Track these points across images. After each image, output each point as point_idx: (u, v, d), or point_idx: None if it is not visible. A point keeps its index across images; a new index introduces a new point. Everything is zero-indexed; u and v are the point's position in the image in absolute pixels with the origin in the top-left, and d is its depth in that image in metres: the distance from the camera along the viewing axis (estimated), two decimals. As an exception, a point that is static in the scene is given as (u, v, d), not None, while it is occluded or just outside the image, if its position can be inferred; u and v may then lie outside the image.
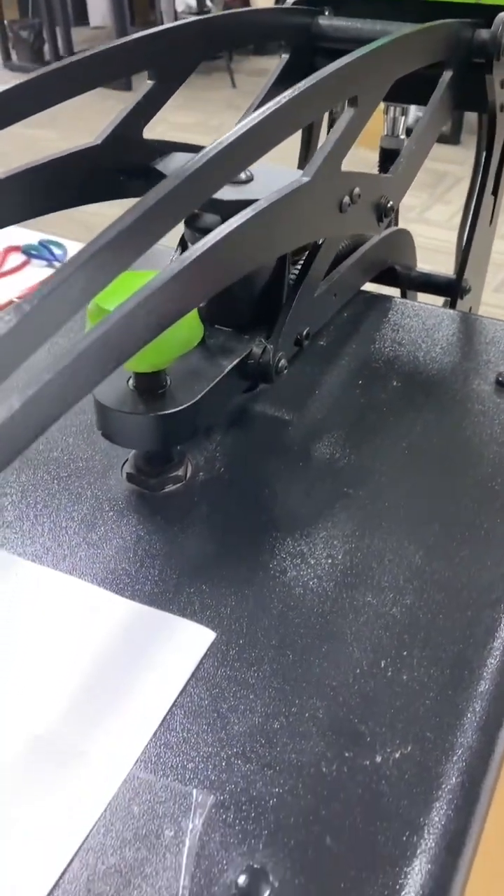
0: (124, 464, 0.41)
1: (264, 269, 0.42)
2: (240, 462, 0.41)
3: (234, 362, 0.39)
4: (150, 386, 0.37)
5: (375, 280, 0.57)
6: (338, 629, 0.33)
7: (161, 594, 0.35)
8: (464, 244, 0.58)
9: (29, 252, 1.05)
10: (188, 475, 0.41)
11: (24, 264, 1.04)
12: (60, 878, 0.25)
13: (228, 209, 0.34)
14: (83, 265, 0.25)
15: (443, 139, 2.50)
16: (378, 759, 0.28)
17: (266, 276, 0.42)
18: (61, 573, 0.35)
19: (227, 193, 0.36)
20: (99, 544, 0.37)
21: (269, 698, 0.31)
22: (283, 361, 0.41)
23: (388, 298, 0.55)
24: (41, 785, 0.28)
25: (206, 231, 0.31)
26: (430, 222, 2.31)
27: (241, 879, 0.25)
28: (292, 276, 0.43)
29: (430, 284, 0.60)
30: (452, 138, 2.65)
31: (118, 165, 0.42)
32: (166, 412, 0.36)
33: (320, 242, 0.42)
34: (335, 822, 0.27)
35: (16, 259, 1.05)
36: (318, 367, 0.48)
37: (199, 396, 0.37)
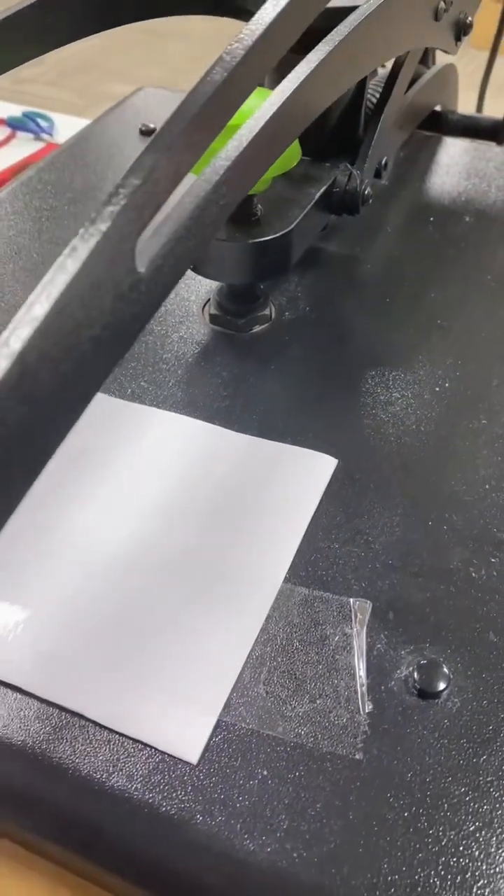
0: (205, 306, 0.40)
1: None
2: (324, 301, 0.40)
3: (322, 189, 0.37)
4: (243, 213, 0.35)
5: (419, 126, 0.55)
6: (459, 450, 0.33)
7: (272, 429, 0.34)
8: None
9: (14, 125, 0.99)
10: (273, 316, 0.39)
11: (9, 137, 0.98)
12: (234, 686, 0.25)
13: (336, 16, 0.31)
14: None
15: None
16: (524, 562, 0.29)
17: (343, 101, 0.40)
18: (172, 412, 0.34)
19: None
20: (197, 385, 0.36)
21: (405, 514, 0.30)
22: (368, 189, 0.39)
23: (439, 138, 0.53)
24: (200, 603, 0.28)
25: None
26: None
27: (417, 673, 0.26)
28: (370, 103, 0.41)
29: (475, 128, 0.58)
30: None
31: None
32: (264, 239, 0.34)
33: (402, 61, 0.40)
34: (497, 620, 0.27)
35: (1, 132, 0.98)
36: (385, 206, 0.46)
37: (295, 223, 0.35)
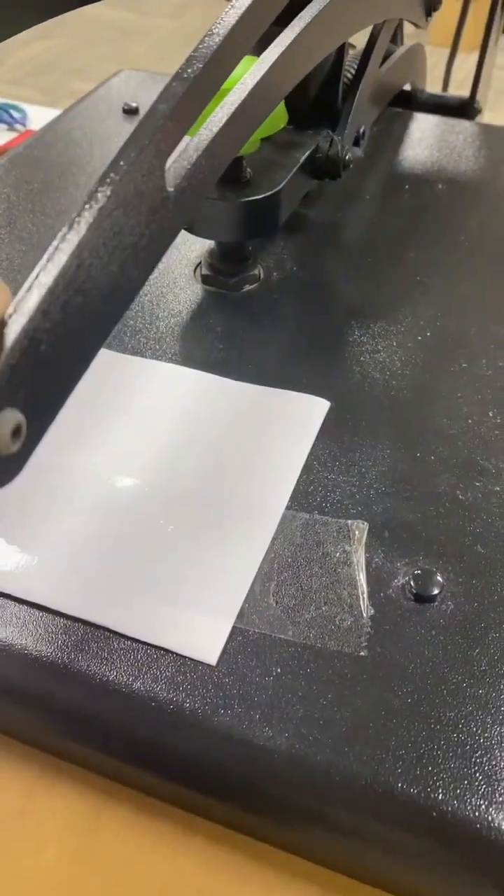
0: (196, 268, 0.42)
1: (321, 64, 0.42)
2: (309, 262, 0.42)
3: (307, 153, 0.40)
4: (233, 175, 0.37)
5: (391, 104, 0.57)
6: (442, 390, 0.35)
7: (267, 377, 0.36)
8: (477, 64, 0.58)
9: (-13, 116, 0.99)
10: (262, 276, 0.41)
11: (-17, 129, 0.99)
12: (246, 598, 0.28)
13: None
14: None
15: None
16: (507, 485, 0.31)
17: (323, 74, 0.42)
18: (169, 363, 0.36)
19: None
20: (193, 340, 0.38)
21: (394, 447, 0.33)
22: (349, 155, 0.41)
23: (410, 114, 0.56)
24: (210, 528, 0.30)
25: None
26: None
27: (413, 581, 0.28)
28: (347, 77, 0.43)
29: (443, 105, 0.60)
30: None
31: None
32: (254, 198, 0.37)
33: (377, 35, 0.42)
34: (483, 535, 0.30)
35: (-26, 124, 0.99)
36: (363, 176, 0.49)
37: (283, 184, 0.37)
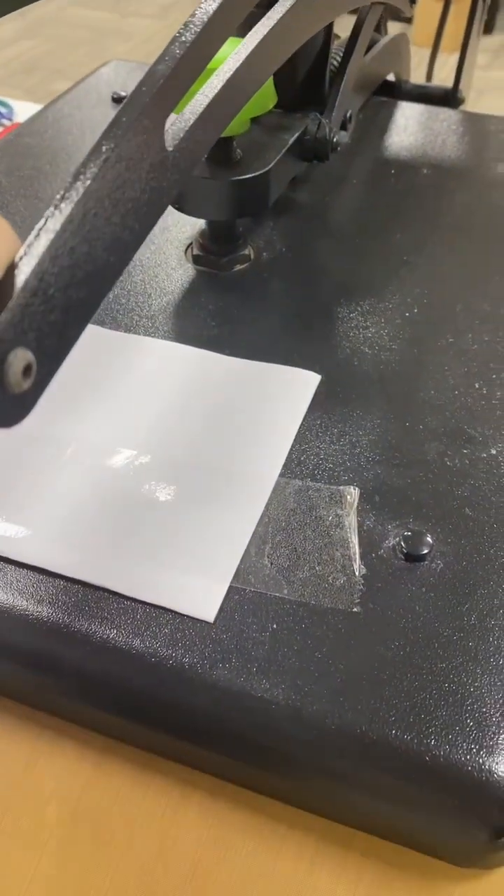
0: (187, 249, 0.42)
1: (308, 47, 0.42)
2: (298, 242, 0.43)
3: (295, 135, 0.40)
4: (224, 155, 0.38)
5: (375, 93, 0.58)
6: (429, 364, 0.36)
7: (258, 352, 0.37)
8: (460, 54, 0.60)
9: (-27, 111, 1.00)
10: (252, 256, 0.42)
11: (-31, 124, 0.99)
12: (241, 559, 0.28)
13: None
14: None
15: None
16: (493, 451, 0.32)
17: (310, 56, 0.43)
18: (164, 340, 0.37)
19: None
20: (185, 317, 0.39)
21: (384, 417, 0.34)
22: (337, 137, 0.42)
23: (395, 102, 0.57)
24: (206, 494, 0.30)
25: None
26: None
27: (403, 542, 0.29)
28: (333, 64, 0.44)
29: (427, 95, 0.61)
30: None
31: None
32: (244, 177, 0.37)
33: (362, 22, 0.43)
34: (470, 498, 0.30)
35: (-40, 119, 0.99)
36: (350, 161, 0.49)
37: (272, 164, 0.38)
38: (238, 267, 0.42)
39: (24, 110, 1.03)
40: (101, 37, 2.41)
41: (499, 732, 0.24)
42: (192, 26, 0.20)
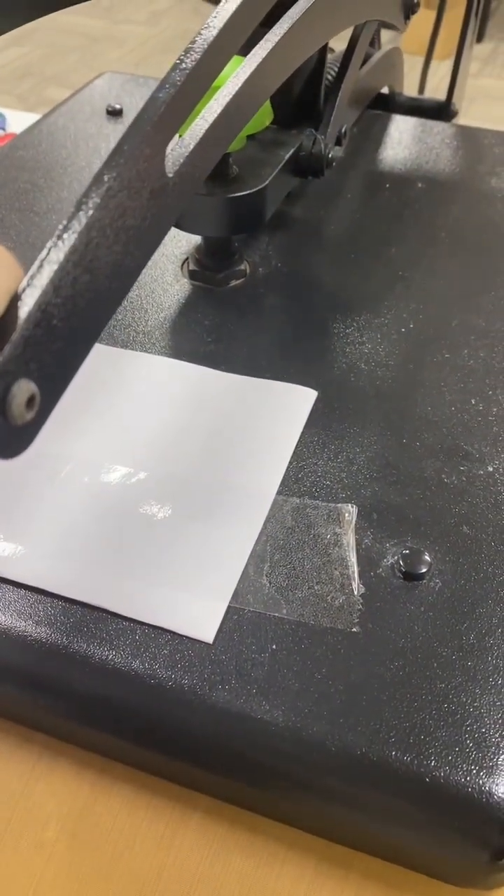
0: (183, 264, 0.42)
1: (304, 64, 0.43)
2: (293, 257, 0.43)
3: (291, 151, 0.41)
4: (220, 172, 0.38)
5: (369, 106, 0.59)
6: (425, 380, 0.36)
7: (255, 368, 0.37)
8: (453, 67, 0.60)
9: (-33, 120, 1.00)
10: (248, 271, 0.42)
11: (-37, 134, 0.99)
12: (240, 579, 0.28)
13: None
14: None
15: None
16: (490, 468, 0.32)
17: (306, 73, 0.43)
18: (161, 356, 0.37)
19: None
20: (182, 333, 0.39)
21: (381, 434, 0.34)
22: (332, 153, 0.42)
23: (389, 116, 0.57)
24: (203, 513, 0.30)
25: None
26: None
27: (402, 560, 0.29)
28: (328, 78, 0.44)
29: (421, 108, 0.62)
30: None
31: None
32: (240, 194, 0.37)
33: (357, 37, 0.43)
34: (468, 515, 0.31)
35: (-46, 129, 0.99)
36: (344, 176, 0.50)
37: (268, 181, 0.38)
38: (234, 282, 0.42)
39: (16, 120, 1.03)
40: (92, 43, 2.42)
41: (499, 753, 0.24)
42: (192, 52, 0.21)
